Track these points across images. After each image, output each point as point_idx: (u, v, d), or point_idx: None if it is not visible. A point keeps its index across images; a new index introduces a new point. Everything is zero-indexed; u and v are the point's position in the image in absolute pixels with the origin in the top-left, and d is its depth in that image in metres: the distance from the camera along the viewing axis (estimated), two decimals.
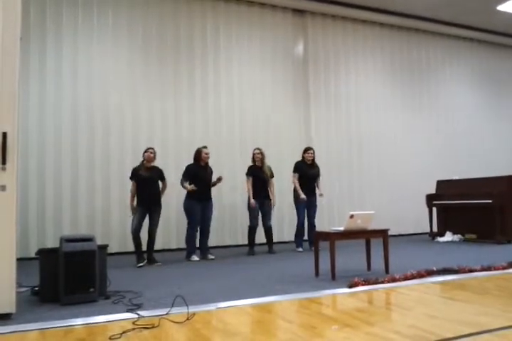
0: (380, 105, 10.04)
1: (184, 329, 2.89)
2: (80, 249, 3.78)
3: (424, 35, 10.73)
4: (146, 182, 6.21)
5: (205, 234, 6.67)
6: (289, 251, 7.33)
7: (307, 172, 7.38)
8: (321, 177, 7.62)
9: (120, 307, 3.51)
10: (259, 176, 7.15)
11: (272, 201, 7.25)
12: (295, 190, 7.38)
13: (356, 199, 9.43)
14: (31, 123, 7.14)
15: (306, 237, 7.52)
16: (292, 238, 8.11)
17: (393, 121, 10.14)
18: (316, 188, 7.52)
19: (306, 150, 7.51)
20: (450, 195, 8.45)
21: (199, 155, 6.65)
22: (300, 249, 7.27)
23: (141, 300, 3.75)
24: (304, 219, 7.40)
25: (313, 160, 7.46)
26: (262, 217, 7.19)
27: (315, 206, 7.45)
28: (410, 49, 10.56)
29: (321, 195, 7.50)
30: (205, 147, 6.74)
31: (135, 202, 6.26)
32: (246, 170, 7.28)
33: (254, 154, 7.24)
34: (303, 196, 7.23)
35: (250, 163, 7.33)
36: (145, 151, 6.29)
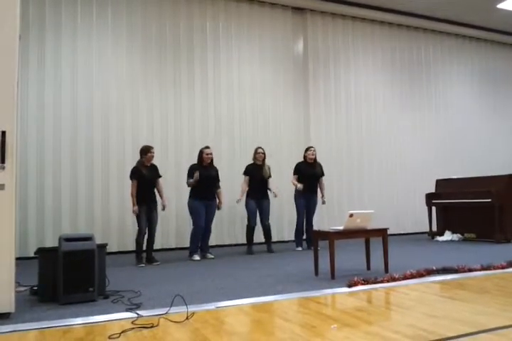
0: (380, 104, 10.04)
1: (183, 329, 2.89)
2: (79, 248, 3.77)
3: (424, 33, 10.72)
4: (148, 182, 6.20)
5: (206, 234, 6.67)
6: (288, 250, 7.33)
7: (307, 172, 7.34)
8: (324, 179, 7.56)
9: (119, 307, 3.50)
10: (258, 175, 7.14)
11: (275, 191, 7.25)
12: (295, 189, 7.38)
13: (356, 199, 9.43)
14: (30, 122, 7.12)
15: (305, 236, 7.52)
16: (292, 237, 8.11)
17: (393, 119, 10.13)
18: (319, 190, 7.48)
19: (307, 149, 7.48)
20: (449, 194, 8.45)
21: (201, 156, 6.65)
22: (299, 248, 7.27)
23: (141, 299, 3.75)
24: (304, 218, 7.39)
25: (314, 159, 7.43)
26: (260, 215, 7.19)
27: (314, 205, 7.43)
28: (410, 47, 10.56)
29: (323, 202, 7.45)
30: (207, 147, 6.73)
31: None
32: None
33: (258, 153, 7.22)
34: (299, 185, 7.17)
35: (250, 162, 7.31)
36: (148, 151, 6.24)
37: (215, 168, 6.83)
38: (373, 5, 9.59)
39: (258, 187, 7.15)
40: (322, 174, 7.50)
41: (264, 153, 7.24)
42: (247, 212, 7.15)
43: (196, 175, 6.38)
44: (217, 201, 6.77)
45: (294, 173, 7.43)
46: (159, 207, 6.34)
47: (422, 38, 10.70)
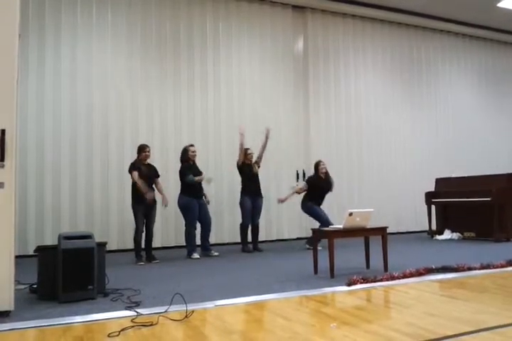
0: (380, 102, 10.03)
1: (182, 327, 2.89)
2: (79, 246, 3.78)
3: (424, 31, 10.70)
4: (146, 180, 6.20)
5: (207, 232, 6.68)
6: (287, 249, 7.33)
7: (322, 186, 7.31)
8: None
9: (119, 305, 3.51)
10: (251, 172, 7.13)
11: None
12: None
13: (355, 197, 9.42)
14: (30, 121, 7.11)
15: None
16: (292, 236, 8.11)
17: (393, 118, 10.12)
18: None
19: (318, 163, 7.38)
20: (449, 192, 8.45)
21: (186, 154, 6.65)
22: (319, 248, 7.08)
23: (140, 297, 3.75)
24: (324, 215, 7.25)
25: (326, 173, 7.32)
26: (253, 214, 7.15)
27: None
28: (410, 46, 10.54)
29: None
30: (191, 145, 6.75)
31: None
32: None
33: (249, 154, 7.18)
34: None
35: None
36: (143, 150, 6.26)
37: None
38: (374, 3, 9.57)
39: (252, 185, 7.13)
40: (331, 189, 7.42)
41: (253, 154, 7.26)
42: (242, 210, 7.11)
43: (199, 178, 6.46)
44: (206, 197, 6.78)
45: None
46: (158, 205, 6.35)
47: (422, 36, 10.68)
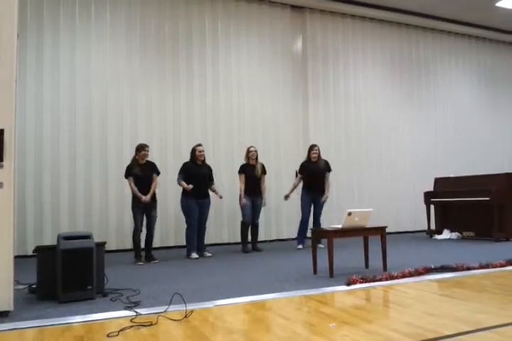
0: (379, 102, 10.03)
1: (182, 327, 2.89)
2: (78, 246, 3.77)
3: (423, 31, 10.71)
4: (142, 181, 6.19)
5: (201, 233, 6.68)
6: (287, 248, 7.33)
7: (311, 170, 7.28)
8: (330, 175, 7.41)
9: (118, 305, 3.51)
10: (252, 174, 7.14)
11: (263, 199, 7.25)
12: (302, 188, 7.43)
13: (354, 197, 9.43)
14: (29, 121, 7.10)
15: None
16: (291, 235, 8.09)
17: (392, 118, 10.12)
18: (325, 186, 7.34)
19: (311, 148, 7.39)
20: (448, 192, 8.46)
21: (194, 154, 6.67)
22: (300, 246, 7.24)
23: (139, 297, 3.75)
24: (309, 216, 7.30)
25: (318, 157, 7.30)
26: (252, 214, 7.16)
27: (321, 204, 7.35)
28: (409, 46, 10.55)
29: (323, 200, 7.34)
30: (199, 145, 6.75)
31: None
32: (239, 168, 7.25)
33: (250, 152, 7.20)
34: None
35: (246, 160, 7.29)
36: (142, 149, 6.25)
37: (208, 165, 6.85)
38: (372, 3, 9.57)
39: (252, 186, 7.13)
40: (328, 170, 7.36)
41: (256, 151, 7.23)
42: (242, 209, 7.14)
43: (188, 186, 6.41)
44: (218, 194, 6.84)
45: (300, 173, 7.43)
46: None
47: (421, 36, 10.68)
